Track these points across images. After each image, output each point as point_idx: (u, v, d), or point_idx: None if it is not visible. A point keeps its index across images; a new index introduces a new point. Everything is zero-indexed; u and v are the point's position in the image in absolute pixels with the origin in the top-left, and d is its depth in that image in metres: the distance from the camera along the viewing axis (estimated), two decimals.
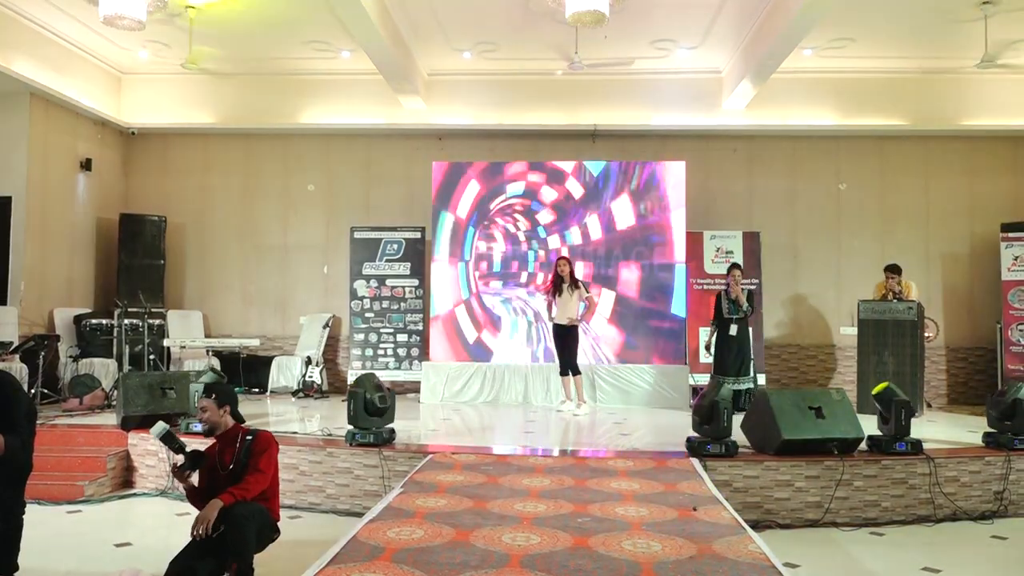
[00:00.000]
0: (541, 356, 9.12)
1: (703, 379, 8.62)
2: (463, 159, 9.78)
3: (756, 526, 4.82)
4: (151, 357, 8.76)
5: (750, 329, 8.13)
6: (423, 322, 9.74)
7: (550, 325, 8.12)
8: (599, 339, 9.00)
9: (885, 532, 5.19)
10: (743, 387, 7.86)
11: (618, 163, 9.44)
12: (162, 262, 10.19)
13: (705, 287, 9.37)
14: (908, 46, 8.94)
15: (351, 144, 10.48)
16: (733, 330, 8.02)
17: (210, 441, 4.15)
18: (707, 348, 8.16)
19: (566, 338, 7.96)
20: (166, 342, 9.31)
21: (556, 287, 7.95)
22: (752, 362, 8.08)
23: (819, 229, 10.22)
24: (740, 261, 9.31)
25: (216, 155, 10.63)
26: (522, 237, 9.38)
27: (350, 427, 5.71)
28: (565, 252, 8.94)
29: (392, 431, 5.86)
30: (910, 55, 9.18)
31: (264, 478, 3.87)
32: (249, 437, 3.98)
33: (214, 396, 4.04)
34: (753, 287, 8.82)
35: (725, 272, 8.40)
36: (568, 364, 7.93)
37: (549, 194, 9.38)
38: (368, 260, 9.84)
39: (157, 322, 9.28)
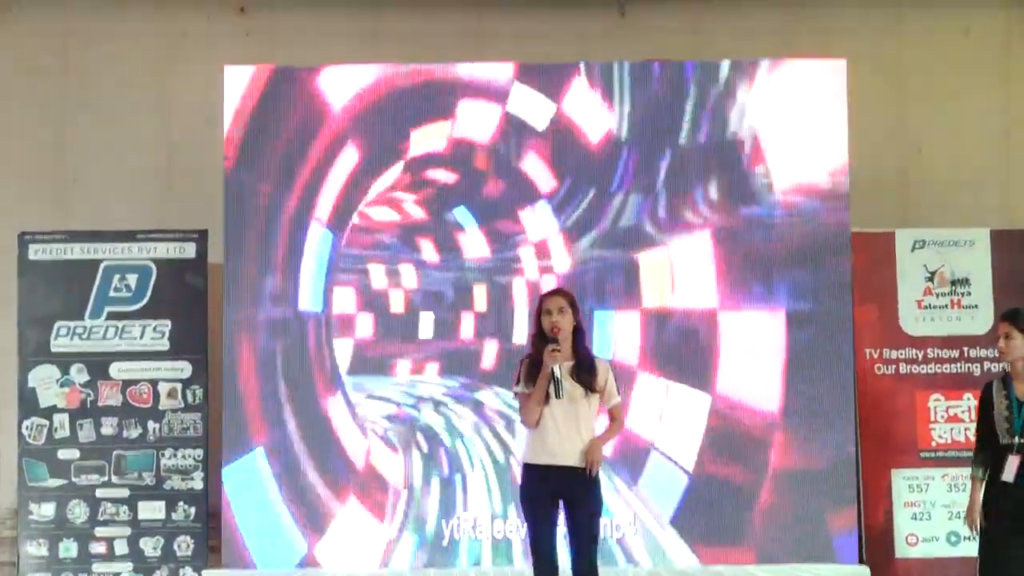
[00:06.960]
0: (517, 553, 6.87)
1: None
2: (304, 60, 7.14)
3: None
4: None
5: None
6: (203, 471, 7.37)
7: (519, 466, 6.61)
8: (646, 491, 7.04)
9: None
10: None
11: (679, 64, 7.06)
12: None
13: (901, 370, 6.83)
14: None
15: (34, 18, 7.78)
16: (1009, 471, 5.61)
17: None
18: (971, 524, 5.87)
19: (573, 499, 5.97)
20: None
21: (532, 369, 5.74)
22: None
23: None
24: (985, 289, 7.14)
25: None
26: (456, 250, 6.97)
27: None
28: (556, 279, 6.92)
29: None
30: None
31: None
32: None
33: None
34: None
35: (997, 326, 6.26)
36: (578, 569, 5.83)
37: (520, 137, 6.87)
38: (66, 317, 7.56)
39: None
